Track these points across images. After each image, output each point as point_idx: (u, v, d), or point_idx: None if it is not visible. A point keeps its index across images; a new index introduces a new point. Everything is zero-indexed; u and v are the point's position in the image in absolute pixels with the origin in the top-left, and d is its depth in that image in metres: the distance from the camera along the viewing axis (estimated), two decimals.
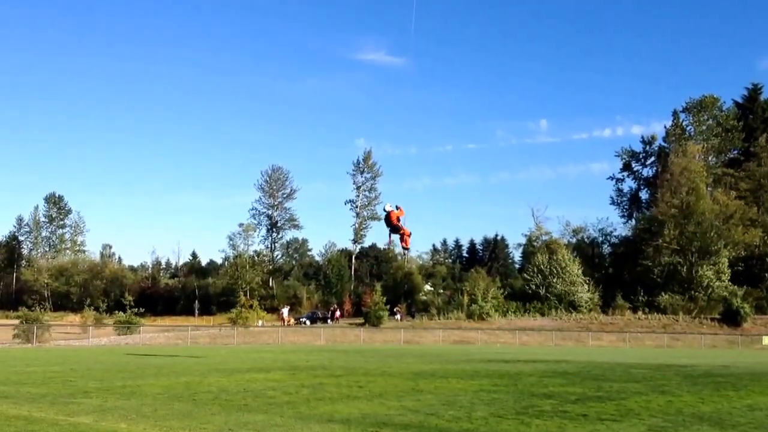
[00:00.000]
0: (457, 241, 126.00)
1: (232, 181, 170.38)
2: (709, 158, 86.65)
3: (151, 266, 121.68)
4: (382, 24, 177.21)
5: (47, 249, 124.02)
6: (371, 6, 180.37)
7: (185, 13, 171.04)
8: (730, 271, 74.02)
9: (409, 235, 19.09)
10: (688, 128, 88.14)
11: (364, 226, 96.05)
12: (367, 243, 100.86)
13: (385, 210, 19.07)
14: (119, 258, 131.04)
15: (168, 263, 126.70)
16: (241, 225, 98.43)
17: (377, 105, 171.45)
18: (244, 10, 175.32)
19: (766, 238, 76.47)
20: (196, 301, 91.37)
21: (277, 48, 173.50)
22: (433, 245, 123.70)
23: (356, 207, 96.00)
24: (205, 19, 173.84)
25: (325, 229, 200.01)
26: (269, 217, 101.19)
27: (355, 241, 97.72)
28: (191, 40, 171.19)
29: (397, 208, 18.86)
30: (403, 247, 19.87)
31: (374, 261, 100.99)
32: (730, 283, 73.37)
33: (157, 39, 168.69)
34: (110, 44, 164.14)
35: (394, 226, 18.69)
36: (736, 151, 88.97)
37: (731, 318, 67.04)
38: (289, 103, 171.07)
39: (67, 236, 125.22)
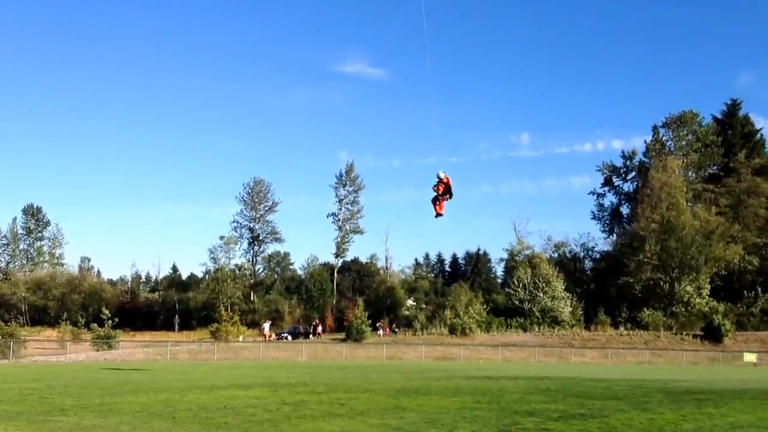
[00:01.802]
0: (439, 255, 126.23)
1: (214, 193, 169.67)
2: (689, 173, 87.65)
3: (130, 280, 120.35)
4: (364, 35, 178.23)
5: (25, 262, 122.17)
6: (353, 17, 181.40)
7: (166, 21, 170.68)
8: (710, 287, 74.65)
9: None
10: (668, 143, 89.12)
11: (346, 239, 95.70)
12: (349, 257, 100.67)
13: (440, 177, 20.17)
14: (98, 271, 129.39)
15: (148, 277, 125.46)
16: (222, 238, 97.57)
17: (360, 117, 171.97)
18: (225, 20, 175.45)
19: (746, 254, 77.17)
20: (176, 316, 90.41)
21: (258, 59, 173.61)
22: (416, 259, 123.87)
23: (339, 220, 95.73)
24: (187, 28, 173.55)
25: (308, 243, 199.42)
26: (251, 230, 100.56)
27: (337, 255, 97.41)
28: (173, 49, 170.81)
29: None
30: (438, 213, 20.65)
31: (356, 275, 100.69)
32: (710, 299, 73.97)
33: (139, 48, 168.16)
34: (90, 53, 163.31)
35: (448, 191, 20.17)
36: (715, 167, 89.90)
37: (712, 334, 67.53)
38: (271, 114, 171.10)
39: (45, 249, 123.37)
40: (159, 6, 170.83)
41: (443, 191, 20.11)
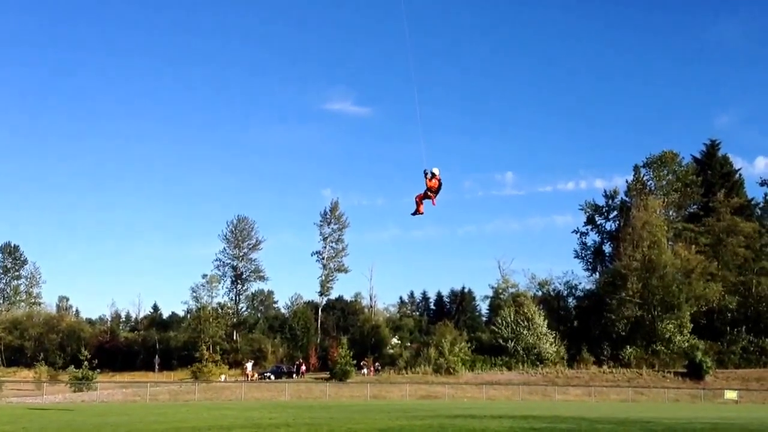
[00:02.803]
0: (424, 294, 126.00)
1: (196, 231, 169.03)
2: (670, 213, 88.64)
3: (110, 319, 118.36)
4: (349, 74, 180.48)
5: (1, 301, 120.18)
6: (338, 56, 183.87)
7: (151, 56, 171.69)
8: (692, 325, 75.02)
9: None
10: (648, 183, 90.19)
11: (330, 278, 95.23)
12: (333, 295, 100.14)
13: (434, 173, 20.51)
14: (76, 310, 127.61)
15: (128, 316, 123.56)
16: (204, 276, 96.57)
17: (344, 155, 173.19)
18: (209, 57, 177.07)
19: (725, 293, 77.80)
20: (157, 356, 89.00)
21: (243, 96, 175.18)
22: (401, 297, 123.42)
23: (323, 258, 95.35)
24: (171, 64, 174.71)
25: (292, 281, 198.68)
26: (234, 268, 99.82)
27: (321, 294, 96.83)
28: (156, 84, 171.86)
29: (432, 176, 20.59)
30: (419, 212, 21.12)
31: (341, 314, 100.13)
32: (692, 337, 74.29)
33: (120, 84, 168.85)
34: (70, 88, 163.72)
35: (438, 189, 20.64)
36: (695, 206, 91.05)
37: (694, 372, 67.70)
38: (255, 151, 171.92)
39: (22, 288, 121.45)
40: (144, 43, 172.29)
41: (436, 189, 20.34)
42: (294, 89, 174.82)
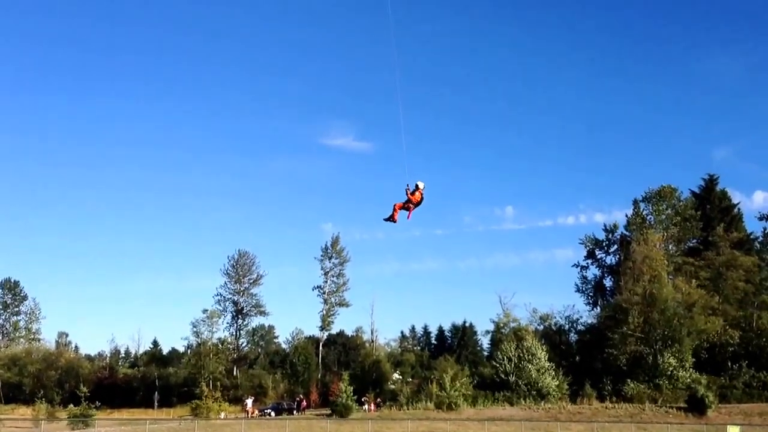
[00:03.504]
0: (425, 328, 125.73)
1: (196, 265, 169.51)
2: (670, 247, 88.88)
3: (109, 355, 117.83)
4: (350, 110, 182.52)
5: (0, 337, 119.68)
6: (340, 91, 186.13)
7: (148, 92, 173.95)
8: (693, 359, 74.74)
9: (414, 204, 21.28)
10: (648, 217, 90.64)
11: (331, 312, 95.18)
12: (335, 330, 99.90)
13: (417, 186, 20.98)
14: (75, 346, 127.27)
15: (127, 352, 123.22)
16: (205, 311, 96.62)
17: (345, 189, 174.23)
18: (211, 92, 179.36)
19: (727, 327, 77.66)
20: (156, 392, 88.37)
21: (245, 130, 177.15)
22: (402, 332, 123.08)
23: (324, 293, 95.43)
24: (172, 98, 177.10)
25: (292, 316, 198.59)
26: (235, 303, 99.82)
27: (322, 328, 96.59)
28: (154, 118, 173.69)
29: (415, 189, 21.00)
30: (394, 219, 21.34)
31: (342, 348, 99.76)
32: (694, 372, 73.92)
33: (119, 119, 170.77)
34: (67, 125, 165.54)
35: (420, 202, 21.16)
36: (694, 240, 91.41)
37: (696, 407, 67.15)
38: (256, 186, 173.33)
39: (21, 324, 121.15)
40: (148, 75, 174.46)
41: (417, 202, 20.60)
42: (296, 124, 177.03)
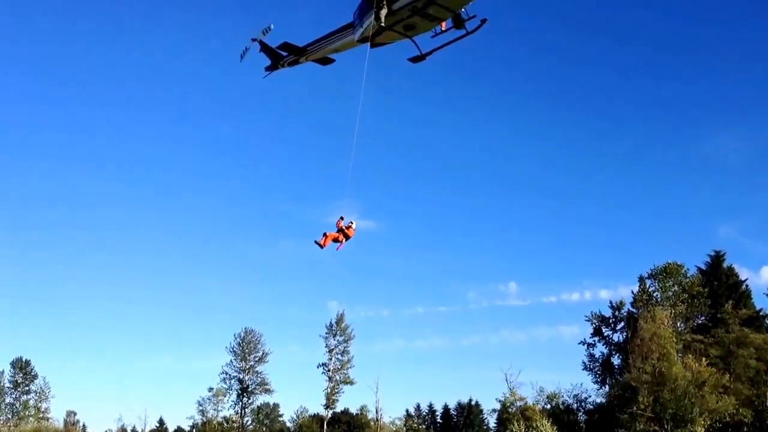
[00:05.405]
0: (430, 406, 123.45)
1: (203, 343, 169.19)
2: (678, 324, 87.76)
3: None
4: (353, 189, 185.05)
5: (10, 416, 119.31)
6: (342, 171, 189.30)
7: (149, 175, 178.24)
8: None
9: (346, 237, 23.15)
10: (654, 294, 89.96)
11: (336, 390, 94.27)
12: (339, 408, 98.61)
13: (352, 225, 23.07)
14: (83, 425, 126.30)
15: (134, 430, 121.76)
16: (210, 389, 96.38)
17: (349, 267, 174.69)
18: (217, 170, 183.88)
19: (739, 406, 75.78)
20: None
21: (249, 211, 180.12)
22: (407, 410, 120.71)
23: (329, 371, 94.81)
24: (175, 179, 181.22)
25: (297, 393, 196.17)
26: (240, 381, 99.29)
27: (327, 406, 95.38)
28: (160, 199, 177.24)
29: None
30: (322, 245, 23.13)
31: (347, 427, 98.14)
32: None
33: (124, 196, 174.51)
34: (75, 196, 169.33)
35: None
36: (703, 317, 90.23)
37: None
38: (261, 265, 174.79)
39: (31, 403, 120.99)
40: (155, 155, 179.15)
41: (348, 237, 22.30)
42: (300, 204, 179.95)
